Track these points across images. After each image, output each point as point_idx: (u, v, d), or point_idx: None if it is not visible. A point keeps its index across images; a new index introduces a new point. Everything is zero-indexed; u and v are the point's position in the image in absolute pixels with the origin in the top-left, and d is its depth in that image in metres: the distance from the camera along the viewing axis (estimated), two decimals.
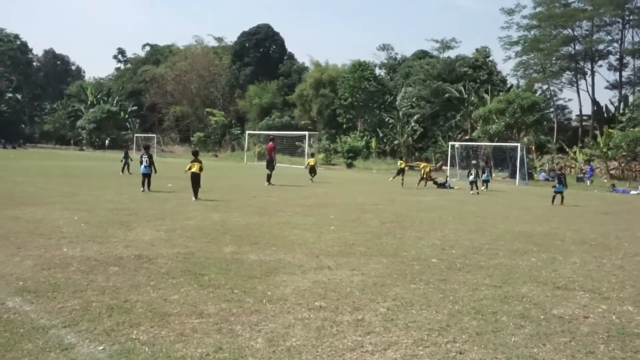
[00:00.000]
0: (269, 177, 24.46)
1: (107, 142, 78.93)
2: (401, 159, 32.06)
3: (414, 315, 5.77)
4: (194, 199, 16.33)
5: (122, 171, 28.26)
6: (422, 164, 30.98)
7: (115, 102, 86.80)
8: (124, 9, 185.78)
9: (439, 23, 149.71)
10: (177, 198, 16.88)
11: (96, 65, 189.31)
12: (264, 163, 28.22)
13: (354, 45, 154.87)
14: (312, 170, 29.17)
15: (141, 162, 19.12)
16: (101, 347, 4.58)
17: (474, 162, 29.08)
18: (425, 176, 28.82)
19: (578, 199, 24.58)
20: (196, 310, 5.65)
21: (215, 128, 74.81)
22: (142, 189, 18.57)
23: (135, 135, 73.75)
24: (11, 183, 20.11)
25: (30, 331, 4.87)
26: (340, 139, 55.79)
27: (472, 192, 25.56)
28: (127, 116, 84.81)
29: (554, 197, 20.72)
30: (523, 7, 56.91)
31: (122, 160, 29.00)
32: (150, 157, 19.19)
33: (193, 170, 16.56)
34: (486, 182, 28.77)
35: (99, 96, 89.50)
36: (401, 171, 28.71)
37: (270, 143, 26.06)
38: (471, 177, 26.14)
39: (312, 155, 33.82)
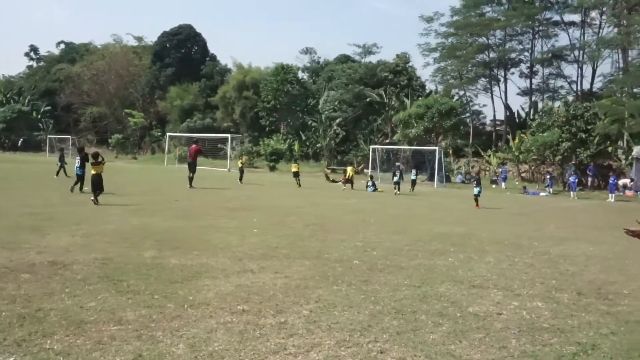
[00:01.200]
0: (190, 180, 24.10)
1: (19, 142, 75.04)
2: (351, 165, 33.93)
3: (336, 317, 5.84)
4: (93, 199, 15.59)
5: (57, 174, 27.25)
6: (349, 168, 31.72)
7: (27, 101, 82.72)
8: (38, 3, 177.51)
9: (361, 28, 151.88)
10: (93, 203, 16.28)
11: (6, 62, 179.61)
12: (186, 166, 27.70)
13: (277, 48, 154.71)
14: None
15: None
16: (12, 359, 4.37)
17: (397, 163, 31.07)
18: (349, 179, 29.41)
19: (493, 200, 25.61)
20: (114, 317, 5.49)
21: (134, 130, 72.76)
22: (75, 189, 18.69)
23: (49, 136, 70.59)
24: None
25: None
26: (263, 141, 55.58)
27: (395, 192, 26.88)
28: (40, 116, 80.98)
29: (476, 200, 21.21)
30: (441, 15, 58.28)
31: (57, 164, 28.22)
32: (83, 158, 19.03)
33: (94, 172, 16.05)
34: (413, 181, 31.35)
35: (8, 95, 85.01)
36: (350, 180, 29.51)
37: (194, 145, 26.07)
38: (395, 178, 27.65)
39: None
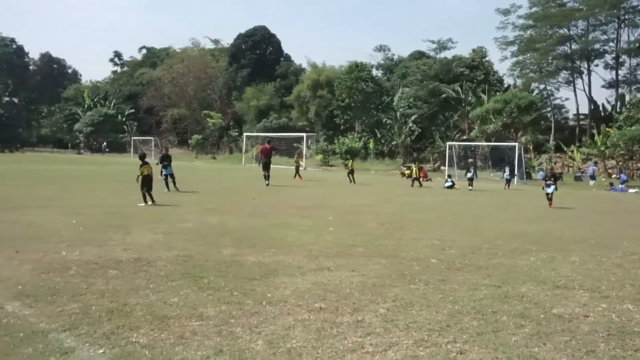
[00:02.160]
0: (267, 178, 24.67)
1: (103, 145, 78.51)
2: (414, 163, 32.54)
3: (414, 316, 5.76)
4: (144, 204, 15.37)
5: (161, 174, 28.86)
6: (414, 165, 31.31)
7: (112, 105, 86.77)
8: (120, 11, 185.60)
9: (436, 24, 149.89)
10: (174, 201, 16.85)
11: (93, 68, 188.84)
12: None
13: (350, 47, 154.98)
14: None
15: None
16: (101, 351, 4.57)
17: (470, 160, 31.94)
18: (417, 176, 29.18)
19: (576, 198, 24.60)
20: (196, 312, 5.64)
21: (212, 130, 74.70)
22: (166, 189, 19.59)
23: (133, 138, 73.69)
24: (8, 187, 20.08)
25: (29, 335, 4.86)
26: (338, 140, 55.75)
27: (469, 188, 27.48)
28: (124, 119, 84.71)
29: (550, 199, 18.94)
30: (518, 7, 56.70)
31: (157, 163, 29.63)
32: (168, 158, 20.90)
33: (145, 174, 15.85)
34: (508, 180, 31.33)
35: (95, 99, 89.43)
36: (417, 178, 29.16)
37: (267, 145, 26.89)
38: (469, 175, 28.61)
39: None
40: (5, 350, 4.51)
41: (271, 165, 25.91)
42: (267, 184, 24.21)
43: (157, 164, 20.62)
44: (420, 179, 29.54)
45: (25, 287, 6.40)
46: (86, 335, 4.90)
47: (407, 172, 30.07)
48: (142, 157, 16.96)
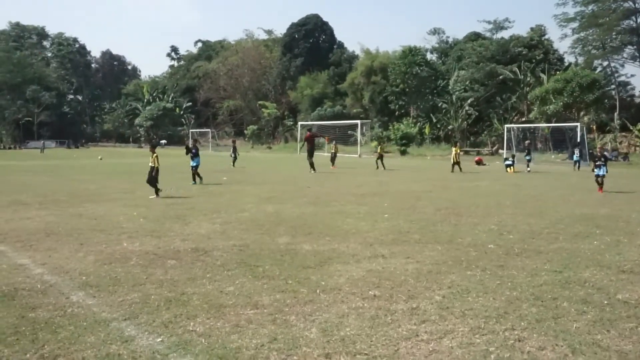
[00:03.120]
0: (312, 165, 25.74)
1: (162, 142, 79.76)
2: (454, 146, 30.24)
3: (470, 303, 5.65)
4: (154, 196, 15.21)
5: (233, 165, 31.11)
6: (453, 148, 28.90)
7: (170, 99, 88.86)
8: (175, 7, 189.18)
9: (491, 3, 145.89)
10: (231, 191, 17.12)
11: (151, 64, 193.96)
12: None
13: (404, 31, 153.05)
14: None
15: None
16: (159, 339, 4.69)
17: (527, 141, 32.08)
18: (456, 160, 27.44)
19: None
20: (251, 301, 5.71)
21: (268, 120, 75.47)
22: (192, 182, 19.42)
23: (191, 130, 75.23)
24: (74, 181, 20.87)
25: (92, 324, 5.03)
26: (393, 126, 55.31)
27: (528, 170, 27.58)
28: (182, 112, 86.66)
29: (600, 183, 17.35)
30: None
31: (231, 155, 32.33)
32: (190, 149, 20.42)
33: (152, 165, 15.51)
34: (577, 162, 31.77)
35: (154, 94, 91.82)
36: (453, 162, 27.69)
37: (308, 133, 28.49)
38: (528, 157, 28.71)
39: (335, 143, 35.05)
40: (70, 338, 4.68)
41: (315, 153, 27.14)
42: (314, 171, 25.19)
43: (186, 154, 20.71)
44: (459, 164, 27.41)
45: (89, 278, 6.63)
46: (145, 324, 5.04)
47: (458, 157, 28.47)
48: (154, 146, 16.83)
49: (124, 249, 8.33)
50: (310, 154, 26.47)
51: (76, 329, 4.91)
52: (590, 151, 39.22)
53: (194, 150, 19.96)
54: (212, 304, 5.60)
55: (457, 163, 27.39)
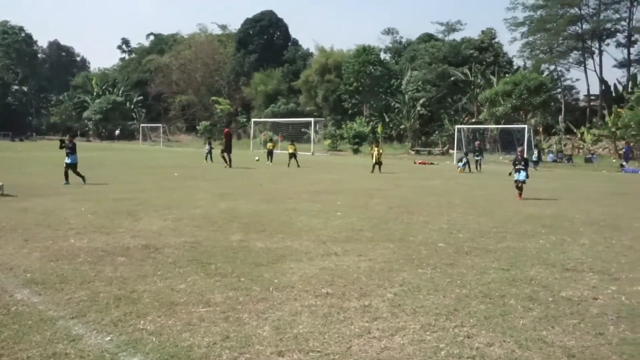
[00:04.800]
0: (228, 161, 26.96)
1: (116, 132, 78.98)
2: (375, 145, 28.38)
3: (421, 300, 5.75)
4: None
5: (206, 159, 32.09)
6: (375, 148, 27.06)
7: (120, 92, 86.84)
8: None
9: (444, 5, 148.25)
10: (184, 187, 16.90)
11: (101, 56, 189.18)
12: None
13: (359, 30, 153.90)
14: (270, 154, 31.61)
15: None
16: (109, 338, 4.59)
17: (477, 142, 33.09)
18: (377, 161, 25.91)
19: (587, 180, 24.41)
20: (203, 299, 5.65)
21: (220, 116, 74.67)
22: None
23: (141, 125, 73.93)
24: (20, 175, 20.19)
25: (38, 323, 4.89)
26: (346, 124, 55.57)
27: (473, 170, 28.28)
28: (132, 106, 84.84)
29: (519, 189, 15.72)
30: None
31: (207, 151, 33.28)
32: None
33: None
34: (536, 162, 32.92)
35: (104, 87, 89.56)
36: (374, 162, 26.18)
37: (227, 129, 29.72)
38: (478, 157, 29.38)
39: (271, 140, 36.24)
40: (14, 338, 4.54)
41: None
42: (228, 166, 26.38)
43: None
44: (380, 165, 25.82)
45: (34, 275, 6.44)
46: (94, 323, 4.93)
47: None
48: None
49: (71, 245, 8.11)
50: (227, 150, 27.51)
51: (21, 328, 4.76)
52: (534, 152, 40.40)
53: (70, 146, 17.47)
54: (163, 302, 5.52)
55: (378, 163, 25.93)
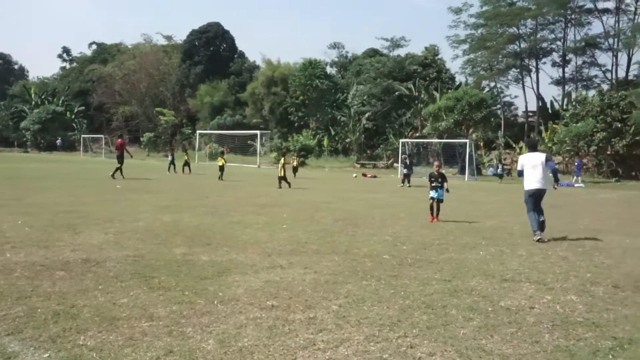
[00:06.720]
0: (119, 171, 25.95)
1: (58, 142, 76.70)
2: (283, 156, 25.81)
3: (365, 312, 5.81)
4: None
5: (169, 170, 32.49)
6: (282, 159, 24.73)
7: (60, 102, 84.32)
8: (68, 5, 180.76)
9: (389, 22, 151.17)
10: (127, 199, 16.56)
11: (40, 64, 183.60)
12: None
13: (305, 44, 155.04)
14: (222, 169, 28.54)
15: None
16: (46, 355, 4.45)
17: (403, 156, 34.45)
18: (282, 175, 23.25)
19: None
20: (146, 313, 5.55)
21: (165, 128, 73.61)
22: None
23: (83, 136, 72.04)
24: None
25: None
26: (292, 137, 55.73)
27: (408, 185, 27.99)
28: (73, 117, 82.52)
29: (433, 208, 13.70)
30: (470, 6, 57.64)
31: (170, 162, 33.48)
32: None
33: None
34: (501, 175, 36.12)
35: (43, 96, 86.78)
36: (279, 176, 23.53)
37: (120, 140, 28.91)
38: (405, 171, 29.11)
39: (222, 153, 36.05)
40: None
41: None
42: (113, 177, 25.40)
43: None
44: (286, 179, 23.30)
45: None
46: (31, 339, 4.76)
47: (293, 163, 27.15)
48: None
49: (7, 259, 7.81)
50: (120, 161, 26.83)
51: None
52: (478, 166, 41.48)
53: None
54: (104, 317, 5.39)
55: (283, 178, 23.15)
